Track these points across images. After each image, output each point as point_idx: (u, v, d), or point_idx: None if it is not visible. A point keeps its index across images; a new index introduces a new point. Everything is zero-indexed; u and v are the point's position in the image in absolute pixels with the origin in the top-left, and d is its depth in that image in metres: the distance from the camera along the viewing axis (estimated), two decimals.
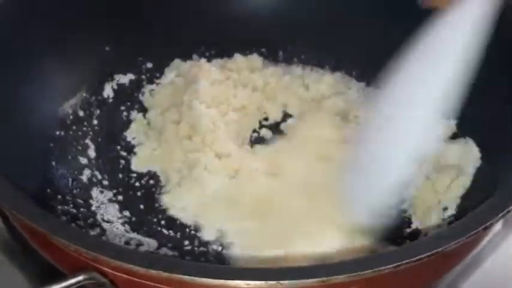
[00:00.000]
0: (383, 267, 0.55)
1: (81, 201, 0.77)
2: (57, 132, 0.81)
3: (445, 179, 0.75)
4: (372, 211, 0.70)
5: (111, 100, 0.87)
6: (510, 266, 0.75)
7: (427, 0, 0.68)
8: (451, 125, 0.80)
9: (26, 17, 0.79)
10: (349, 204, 0.72)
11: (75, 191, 0.77)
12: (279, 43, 0.91)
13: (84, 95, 0.85)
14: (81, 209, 0.76)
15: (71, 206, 0.76)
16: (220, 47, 0.91)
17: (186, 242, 0.74)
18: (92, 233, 0.74)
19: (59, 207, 0.75)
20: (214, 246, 0.73)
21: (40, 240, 0.64)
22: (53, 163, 0.78)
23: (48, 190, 0.75)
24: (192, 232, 0.75)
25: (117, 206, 0.77)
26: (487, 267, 0.74)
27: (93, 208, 0.77)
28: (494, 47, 0.67)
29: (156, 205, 0.78)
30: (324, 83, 0.87)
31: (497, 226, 0.76)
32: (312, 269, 0.56)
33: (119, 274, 0.57)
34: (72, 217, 0.74)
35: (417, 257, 0.56)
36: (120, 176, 0.80)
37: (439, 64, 0.66)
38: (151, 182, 0.80)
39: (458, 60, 0.65)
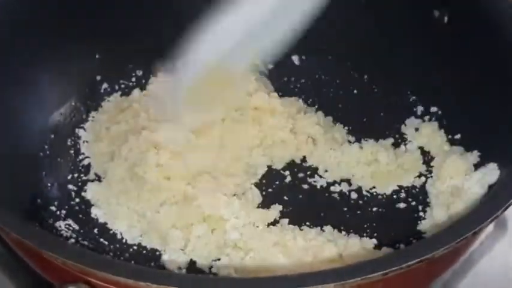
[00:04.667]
0: (372, 275, 0.55)
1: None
2: (47, 142, 0.81)
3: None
4: None
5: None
6: (502, 267, 0.75)
7: None
8: (474, 155, 0.76)
9: (15, 26, 0.79)
10: None
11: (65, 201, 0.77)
12: None
13: (74, 103, 0.85)
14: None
15: (61, 216, 0.75)
16: None
17: None
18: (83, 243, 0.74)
19: (49, 217, 0.74)
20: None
21: (29, 252, 0.64)
22: (43, 173, 0.78)
23: (39, 200, 0.75)
24: None
25: None
26: (479, 269, 0.75)
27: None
28: None
29: None
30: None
31: (489, 228, 0.76)
32: (299, 278, 0.55)
33: (108, 286, 0.57)
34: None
35: (406, 264, 0.56)
36: None
37: None
38: None
39: None
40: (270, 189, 0.79)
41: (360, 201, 0.78)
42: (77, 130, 0.84)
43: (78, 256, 0.56)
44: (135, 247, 0.74)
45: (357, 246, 0.71)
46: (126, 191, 0.76)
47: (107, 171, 0.78)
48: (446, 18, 0.80)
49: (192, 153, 0.77)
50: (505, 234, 0.78)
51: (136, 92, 0.87)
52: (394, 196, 0.78)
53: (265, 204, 0.77)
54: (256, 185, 0.79)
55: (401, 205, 0.77)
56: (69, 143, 0.82)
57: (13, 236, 0.59)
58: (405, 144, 0.82)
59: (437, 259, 0.57)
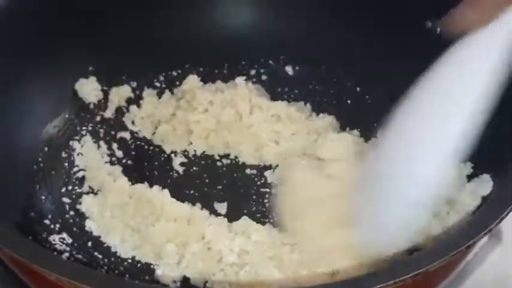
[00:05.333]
0: None
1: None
2: (41, 155, 0.80)
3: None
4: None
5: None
6: (497, 278, 0.75)
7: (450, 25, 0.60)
8: (467, 167, 0.75)
9: (8, 38, 0.79)
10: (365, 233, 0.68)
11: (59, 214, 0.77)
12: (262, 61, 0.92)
13: (68, 116, 0.85)
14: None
15: (55, 229, 0.75)
16: (202, 65, 0.91)
17: None
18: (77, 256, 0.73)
19: (43, 231, 0.74)
20: None
21: (23, 268, 0.64)
22: (37, 186, 0.78)
23: (32, 214, 0.75)
24: None
25: None
26: (474, 280, 0.74)
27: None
28: None
29: None
30: None
31: (484, 239, 0.76)
32: None
33: None
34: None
35: (401, 278, 0.56)
36: None
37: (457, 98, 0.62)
38: None
39: (480, 93, 0.60)
40: (266, 204, 0.79)
41: None
42: (71, 142, 0.83)
43: (71, 272, 0.56)
44: (129, 261, 0.74)
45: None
46: (123, 205, 0.76)
47: (103, 185, 0.78)
48: (438, 29, 0.81)
49: None
50: (500, 245, 0.77)
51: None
52: None
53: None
54: None
55: None
56: (63, 156, 0.82)
57: (6, 252, 0.58)
58: None
59: (431, 273, 0.57)
